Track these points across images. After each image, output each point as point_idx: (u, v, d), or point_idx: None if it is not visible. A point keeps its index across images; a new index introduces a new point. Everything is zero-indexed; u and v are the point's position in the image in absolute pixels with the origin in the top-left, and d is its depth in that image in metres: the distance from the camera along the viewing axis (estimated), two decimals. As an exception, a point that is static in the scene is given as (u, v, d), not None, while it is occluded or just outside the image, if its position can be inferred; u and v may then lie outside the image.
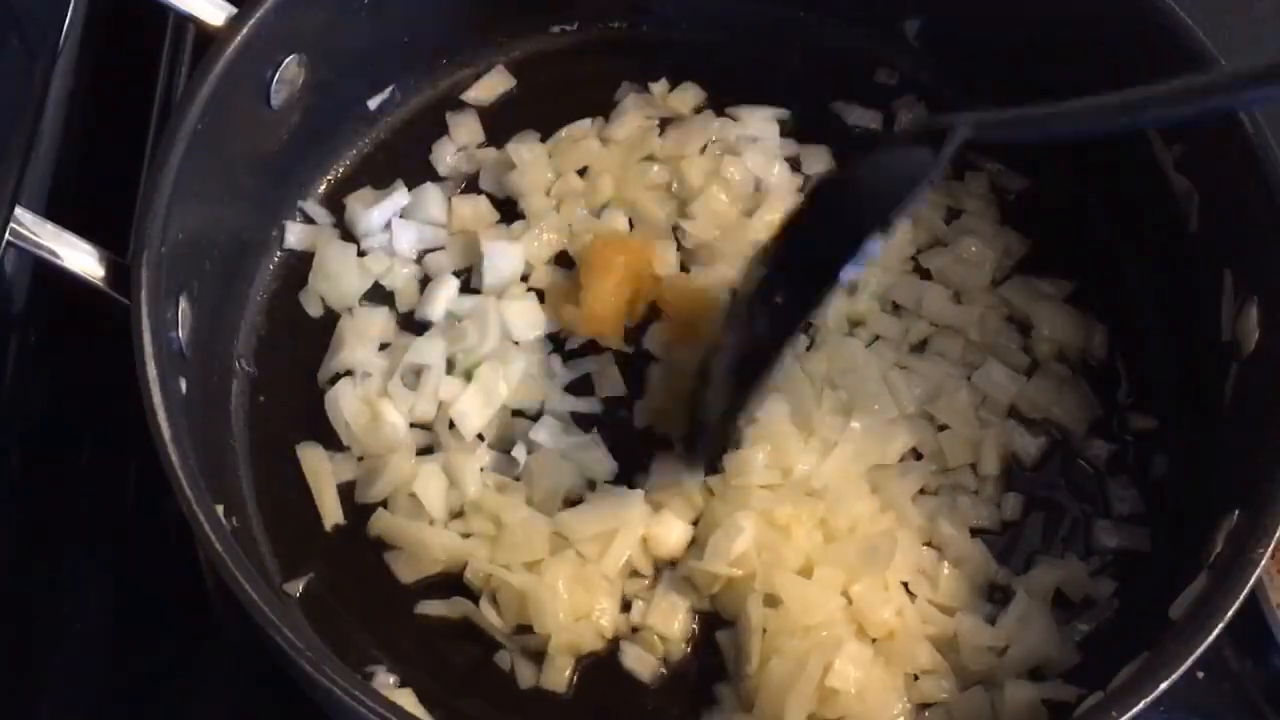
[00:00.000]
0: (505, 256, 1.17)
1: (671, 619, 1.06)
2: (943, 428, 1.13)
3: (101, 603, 1.11)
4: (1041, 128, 0.96)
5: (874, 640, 1.04)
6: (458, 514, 1.09)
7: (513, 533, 1.07)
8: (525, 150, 1.23)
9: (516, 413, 1.14)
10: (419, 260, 1.20)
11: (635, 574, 1.08)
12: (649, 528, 1.07)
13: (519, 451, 1.11)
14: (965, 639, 1.05)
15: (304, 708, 0.93)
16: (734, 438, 1.09)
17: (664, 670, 1.05)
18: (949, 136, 0.92)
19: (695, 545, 1.08)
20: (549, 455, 1.10)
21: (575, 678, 1.05)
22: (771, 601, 1.04)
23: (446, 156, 1.25)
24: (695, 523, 1.09)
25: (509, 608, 1.05)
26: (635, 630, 1.06)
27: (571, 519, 1.08)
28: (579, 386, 1.15)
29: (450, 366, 1.14)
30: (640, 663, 1.05)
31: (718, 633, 1.06)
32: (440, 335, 1.15)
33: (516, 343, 1.15)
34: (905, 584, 1.07)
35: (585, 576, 1.06)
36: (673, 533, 1.08)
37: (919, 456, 1.12)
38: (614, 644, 1.06)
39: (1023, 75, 1.20)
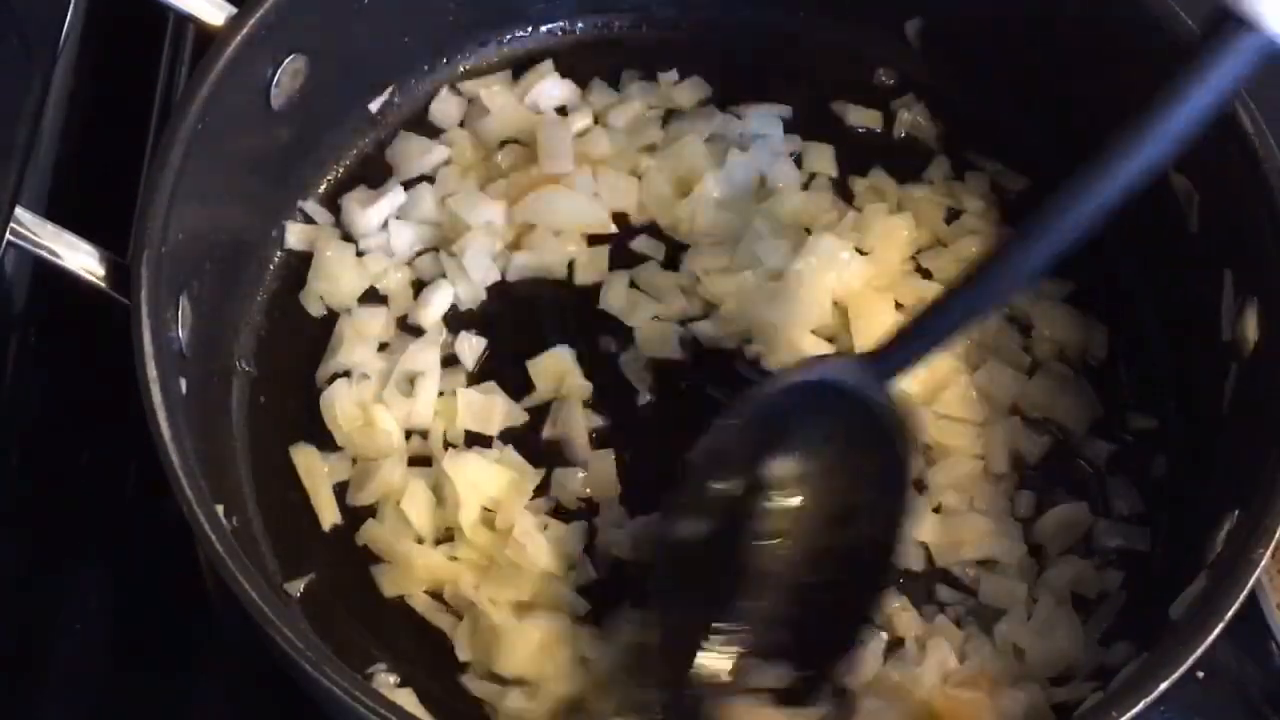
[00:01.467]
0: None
1: None
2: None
3: (101, 603, 1.10)
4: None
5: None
6: (448, 537, 1.07)
7: (503, 569, 1.04)
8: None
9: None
10: (416, 260, 1.20)
11: None
12: None
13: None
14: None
15: (304, 708, 0.92)
16: None
17: None
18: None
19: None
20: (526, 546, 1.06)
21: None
22: None
23: (446, 156, 1.24)
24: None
25: (480, 644, 1.02)
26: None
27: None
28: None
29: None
30: None
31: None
32: (435, 341, 1.14)
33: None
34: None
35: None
36: None
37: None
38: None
39: (1023, 75, 1.21)
